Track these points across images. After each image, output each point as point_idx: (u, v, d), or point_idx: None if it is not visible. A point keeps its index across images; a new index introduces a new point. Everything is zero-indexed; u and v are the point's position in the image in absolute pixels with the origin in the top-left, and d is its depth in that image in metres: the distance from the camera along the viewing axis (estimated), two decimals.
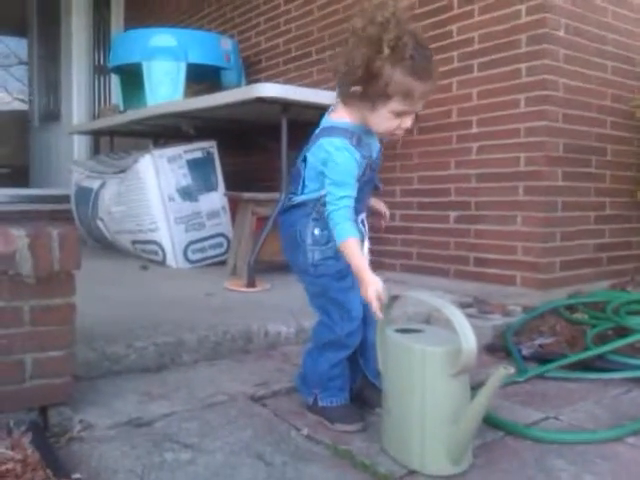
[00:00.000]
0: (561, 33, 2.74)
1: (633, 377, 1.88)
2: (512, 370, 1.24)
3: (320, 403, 1.57)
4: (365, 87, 1.40)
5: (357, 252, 1.43)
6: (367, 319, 1.58)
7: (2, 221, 1.56)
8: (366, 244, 1.59)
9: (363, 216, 1.61)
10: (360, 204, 1.56)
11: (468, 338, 1.22)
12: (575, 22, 2.79)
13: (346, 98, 1.48)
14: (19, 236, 1.41)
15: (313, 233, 1.54)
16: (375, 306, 1.37)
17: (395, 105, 1.40)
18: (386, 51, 1.34)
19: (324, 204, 1.48)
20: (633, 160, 3.10)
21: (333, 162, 1.45)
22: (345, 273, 1.53)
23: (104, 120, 4.21)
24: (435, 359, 1.27)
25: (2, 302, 1.41)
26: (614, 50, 2.98)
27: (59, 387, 1.48)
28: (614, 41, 2.97)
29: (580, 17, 2.81)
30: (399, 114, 1.42)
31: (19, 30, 8.04)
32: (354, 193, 1.46)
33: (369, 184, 1.58)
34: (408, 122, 1.45)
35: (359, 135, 1.47)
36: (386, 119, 1.43)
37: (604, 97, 2.95)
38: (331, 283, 1.56)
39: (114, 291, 2.68)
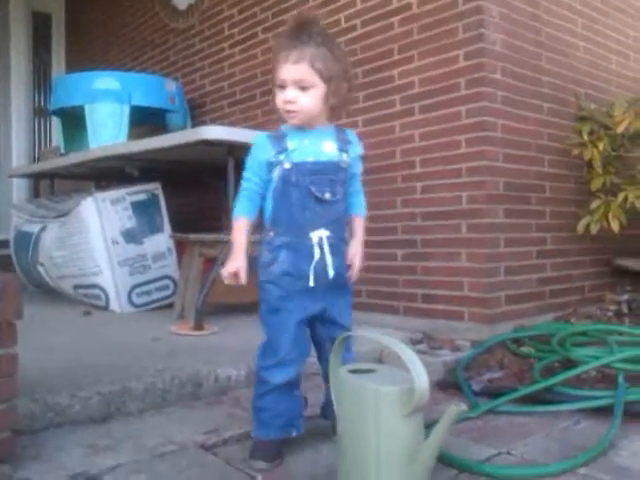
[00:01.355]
0: (498, 76, 2.85)
1: (581, 408, 1.92)
2: (464, 407, 1.25)
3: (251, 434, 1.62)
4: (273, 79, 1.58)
5: (240, 231, 1.56)
6: (322, 355, 1.66)
7: None
8: (329, 262, 1.55)
9: (321, 234, 1.55)
10: (307, 218, 1.54)
11: (420, 376, 1.22)
12: (511, 66, 2.91)
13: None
14: None
15: (263, 255, 1.59)
16: (224, 276, 1.54)
17: (275, 75, 1.55)
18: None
19: (269, 227, 1.58)
20: (571, 196, 3.22)
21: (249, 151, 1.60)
22: (277, 307, 1.56)
23: (45, 163, 4.12)
24: (388, 399, 1.27)
25: None
26: (549, 92, 3.12)
27: None
28: (549, 84, 3.12)
29: (516, 61, 2.93)
30: (280, 85, 1.54)
31: None
32: (254, 178, 1.57)
33: (310, 193, 1.54)
34: (287, 94, 1.53)
35: (282, 133, 1.58)
36: (276, 96, 1.57)
37: (541, 136, 3.07)
38: (266, 314, 1.59)
39: (56, 338, 2.59)
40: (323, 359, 1.67)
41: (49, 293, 3.91)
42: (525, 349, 2.48)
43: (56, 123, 4.60)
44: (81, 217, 3.33)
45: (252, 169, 1.58)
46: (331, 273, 1.55)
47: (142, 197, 3.43)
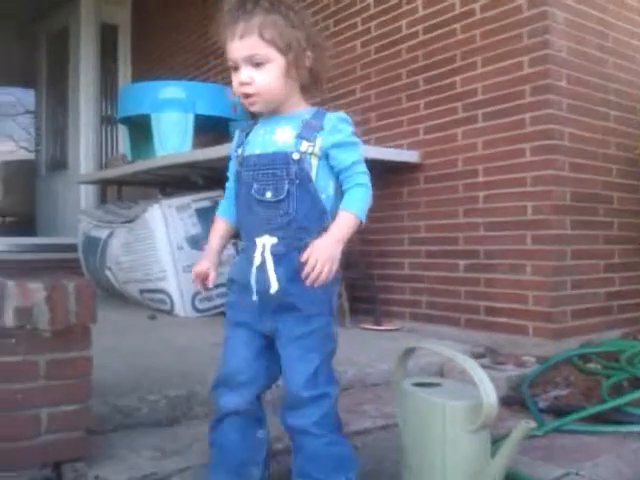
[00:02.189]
0: (564, 83, 2.79)
1: None
2: (534, 424, 1.23)
3: None
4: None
5: (212, 230, 1.45)
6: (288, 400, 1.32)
7: (9, 270, 1.56)
8: (271, 274, 1.27)
9: (264, 241, 1.29)
10: (251, 221, 1.32)
11: (489, 392, 1.21)
12: (577, 73, 2.84)
13: None
14: (36, 290, 1.41)
15: None
16: (192, 276, 1.41)
17: (228, 54, 1.31)
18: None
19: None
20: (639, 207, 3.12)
21: None
22: (227, 317, 1.41)
23: (113, 170, 4.26)
24: (456, 414, 1.26)
25: (18, 356, 1.41)
26: (616, 99, 3.03)
27: (74, 442, 1.46)
28: (616, 91, 3.03)
29: (582, 68, 2.87)
30: (234, 67, 1.31)
31: (27, 80, 8.22)
32: (230, 174, 1.43)
33: (249, 190, 1.31)
34: (240, 75, 1.29)
35: (252, 124, 1.40)
36: (232, 80, 1.33)
37: (608, 145, 2.99)
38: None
39: (123, 342, 2.67)
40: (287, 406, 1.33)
41: (115, 297, 4.03)
42: (592, 366, 2.41)
43: (123, 131, 4.74)
44: (147, 223, 3.43)
45: (230, 167, 1.44)
46: (274, 287, 1.26)
47: (206, 204, 3.49)
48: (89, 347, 1.49)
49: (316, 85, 1.39)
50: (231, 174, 1.42)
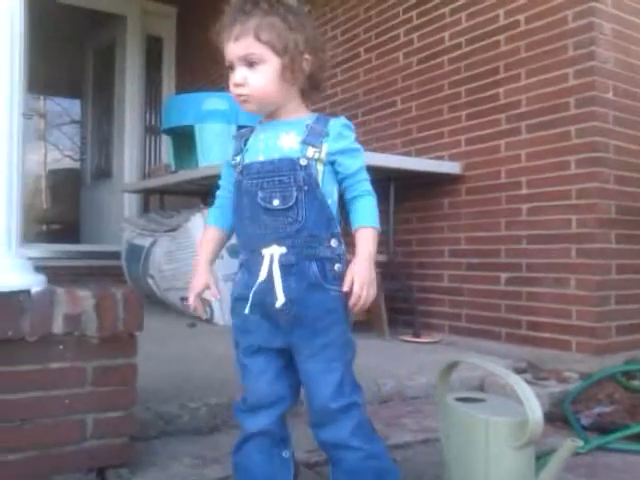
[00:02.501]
0: (610, 95, 2.74)
1: None
2: (580, 443, 1.20)
3: None
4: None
5: (203, 240, 1.38)
6: (309, 414, 1.31)
7: (57, 277, 1.60)
8: (278, 286, 1.22)
9: (272, 251, 1.24)
10: (257, 231, 1.26)
11: (534, 409, 1.19)
12: (624, 85, 2.79)
13: None
14: (85, 297, 1.45)
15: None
16: (190, 301, 1.33)
17: (225, 55, 1.28)
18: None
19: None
20: None
21: None
22: (237, 341, 1.34)
23: (157, 179, 4.33)
24: (500, 430, 1.24)
25: (66, 362, 1.44)
26: None
27: (118, 448, 1.49)
28: None
29: (629, 79, 2.82)
30: (230, 67, 1.28)
31: (73, 91, 8.45)
32: (224, 183, 1.37)
33: (253, 199, 1.26)
34: (235, 75, 1.26)
35: (249, 130, 1.34)
36: (230, 82, 1.29)
37: None
38: (234, 348, 1.37)
39: (164, 349, 2.71)
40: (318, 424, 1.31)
41: (156, 304, 4.10)
42: (637, 383, 2.35)
43: (167, 141, 4.83)
44: (190, 232, 3.48)
45: (224, 174, 1.38)
46: (280, 300, 1.21)
47: None
48: (135, 354, 1.52)
49: (316, 90, 1.35)
50: (225, 182, 1.37)
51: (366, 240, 1.25)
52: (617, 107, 2.76)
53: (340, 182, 1.29)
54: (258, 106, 1.27)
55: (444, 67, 3.37)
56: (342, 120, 1.30)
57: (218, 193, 1.39)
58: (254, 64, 1.24)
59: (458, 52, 3.30)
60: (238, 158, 1.30)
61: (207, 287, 1.34)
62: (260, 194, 1.24)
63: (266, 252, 1.23)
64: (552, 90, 2.83)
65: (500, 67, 3.08)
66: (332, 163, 1.27)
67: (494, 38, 3.11)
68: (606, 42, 2.74)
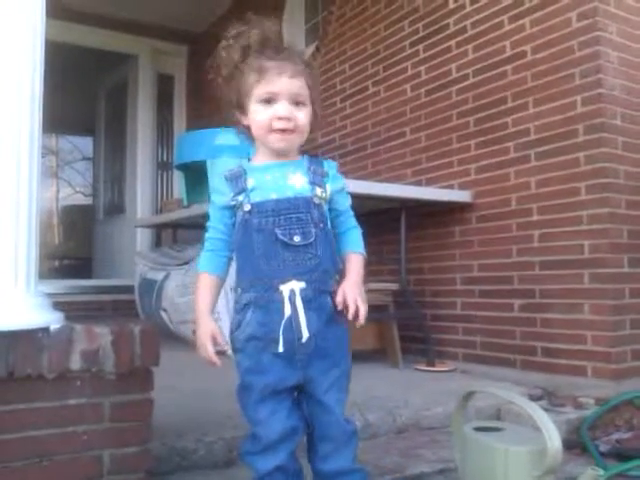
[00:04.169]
0: (618, 122, 2.76)
1: None
2: (601, 472, 1.19)
3: None
4: (233, 97, 1.36)
5: (201, 289, 1.35)
6: (317, 447, 1.34)
7: (74, 313, 1.62)
8: (302, 321, 1.26)
9: (293, 286, 1.27)
10: (274, 268, 1.27)
11: (553, 437, 1.19)
12: (632, 111, 2.82)
13: (238, 131, 1.42)
14: (102, 334, 1.46)
15: (232, 318, 1.37)
16: (208, 352, 1.31)
17: (257, 90, 1.31)
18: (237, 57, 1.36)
19: (237, 283, 1.34)
20: None
21: None
22: (249, 384, 1.33)
23: (169, 214, 4.38)
24: (519, 459, 1.24)
25: (84, 398, 1.45)
26: None
27: None
28: None
29: (636, 105, 2.84)
30: (267, 100, 1.31)
31: (85, 129, 8.60)
32: (218, 225, 1.37)
33: (275, 237, 1.28)
34: (279, 108, 1.30)
35: (240, 171, 1.35)
36: (258, 113, 1.32)
37: None
38: (240, 390, 1.37)
39: (179, 382, 2.71)
40: (310, 450, 1.36)
41: (170, 337, 4.10)
42: None
43: (179, 177, 4.89)
44: None
45: (214, 216, 1.38)
46: (305, 334, 1.25)
47: None
48: (151, 389, 1.52)
49: (312, 132, 1.43)
50: (219, 224, 1.37)
51: (356, 264, 1.36)
52: (625, 133, 2.78)
53: (333, 218, 1.38)
54: (292, 143, 1.34)
55: (452, 98, 3.42)
56: (333, 162, 1.41)
57: (208, 236, 1.39)
58: (300, 104, 1.31)
59: (466, 83, 3.34)
60: (241, 197, 1.31)
61: (214, 335, 1.34)
62: (278, 231, 1.27)
63: (284, 288, 1.26)
64: (560, 118, 2.86)
65: (508, 96, 3.11)
66: (329, 202, 1.36)
67: (501, 69, 3.15)
68: (613, 70, 2.77)
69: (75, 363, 1.42)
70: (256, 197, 1.30)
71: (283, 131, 1.30)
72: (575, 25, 2.81)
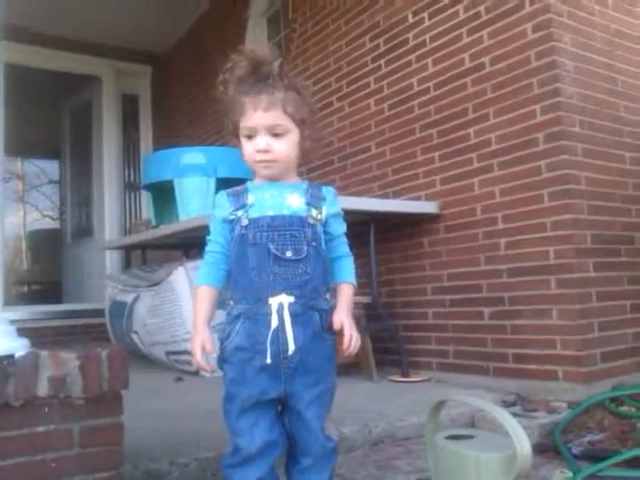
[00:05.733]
0: (577, 129, 2.83)
1: None
2: (570, 474, 1.21)
3: None
4: (231, 128, 1.42)
5: (199, 300, 1.40)
6: (296, 459, 1.38)
7: (41, 339, 1.60)
8: (289, 334, 1.30)
9: (282, 300, 1.31)
10: (264, 281, 1.32)
11: (522, 443, 1.20)
12: (589, 118, 2.89)
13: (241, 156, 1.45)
14: (69, 359, 1.44)
15: (224, 329, 1.40)
16: (196, 359, 1.36)
17: (241, 125, 1.38)
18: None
19: (229, 295, 1.39)
20: None
21: None
22: (233, 394, 1.36)
23: (139, 235, 4.34)
24: (490, 466, 1.25)
25: (52, 425, 1.42)
26: (631, 141, 3.06)
27: None
28: (630, 133, 3.06)
29: (594, 112, 2.91)
30: (248, 135, 1.38)
31: (50, 152, 8.51)
32: (219, 239, 1.41)
33: (268, 252, 1.33)
34: (259, 142, 1.35)
35: (243, 189, 1.41)
36: (244, 147, 1.39)
37: (626, 187, 3.00)
38: (224, 401, 1.39)
39: (151, 404, 2.67)
40: (289, 460, 1.40)
41: (141, 359, 4.05)
42: (626, 409, 2.36)
43: (146, 197, 4.87)
44: (172, 286, 3.48)
45: (215, 230, 1.43)
46: (291, 348, 1.29)
47: None
48: (121, 413, 1.50)
49: (312, 154, 1.48)
50: (219, 237, 1.42)
51: (348, 294, 1.41)
52: (584, 140, 2.85)
53: (326, 242, 1.42)
54: (278, 170, 1.38)
55: (415, 111, 3.47)
56: (332, 189, 1.46)
57: (209, 249, 1.43)
58: (279, 134, 1.35)
59: (427, 96, 3.40)
60: (240, 213, 1.37)
61: (204, 343, 1.37)
62: (271, 245, 1.32)
63: (273, 301, 1.30)
64: (520, 127, 2.92)
65: (469, 108, 3.17)
66: (324, 225, 1.41)
67: (461, 81, 3.21)
68: (570, 78, 2.84)
69: (42, 389, 1.40)
70: (254, 213, 1.36)
71: (263, 161, 1.36)
72: (531, 36, 2.88)
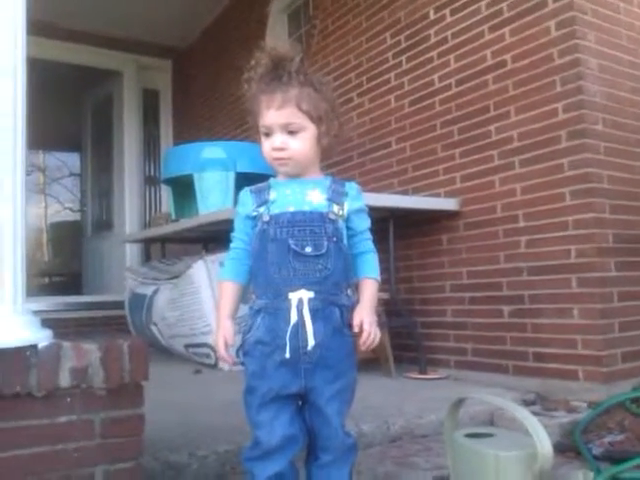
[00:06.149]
0: (600, 127, 2.80)
1: None
2: (591, 475, 1.20)
3: None
4: (254, 125, 1.43)
5: (223, 296, 1.43)
6: (316, 454, 1.38)
7: (63, 330, 1.61)
8: (309, 329, 1.31)
9: (302, 295, 1.32)
10: (284, 276, 1.33)
11: (543, 441, 1.20)
12: (612, 116, 2.85)
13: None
14: (91, 350, 1.46)
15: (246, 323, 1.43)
16: (220, 352, 1.40)
17: (259, 123, 1.39)
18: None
19: (252, 290, 1.42)
20: None
21: None
22: (253, 387, 1.38)
23: (158, 228, 4.38)
24: (510, 464, 1.24)
25: (74, 415, 1.44)
26: None
27: None
28: None
29: (617, 111, 2.88)
30: (265, 133, 1.39)
31: (72, 145, 8.59)
32: (241, 236, 1.44)
33: (288, 247, 1.34)
34: (274, 140, 1.37)
35: (266, 185, 1.43)
36: (262, 144, 1.41)
37: None
38: (245, 393, 1.41)
39: (170, 396, 2.69)
40: (310, 454, 1.40)
41: (161, 352, 4.09)
42: None
43: (167, 191, 4.90)
44: (192, 279, 3.50)
45: (238, 227, 1.45)
46: (311, 343, 1.30)
47: None
48: (142, 404, 1.52)
49: (333, 150, 1.47)
50: (241, 234, 1.45)
51: (371, 290, 1.41)
52: (607, 138, 2.81)
53: (349, 238, 1.42)
54: (295, 168, 1.39)
55: (435, 107, 3.45)
56: (355, 184, 1.46)
57: (233, 245, 1.46)
58: (294, 132, 1.36)
59: (448, 93, 3.37)
60: (262, 209, 1.39)
61: (226, 337, 1.41)
62: (291, 241, 1.34)
63: (293, 296, 1.32)
64: (542, 125, 2.89)
65: (490, 105, 3.14)
66: (346, 220, 1.41)
67: (482, 78, 3.19)
68: (593, 76, 2.80)
69: (64, 380, 1.42)
70: (275, 209, 1.38)
71: (279, 159, 1.38)
72: (554, 34, 2.85)
